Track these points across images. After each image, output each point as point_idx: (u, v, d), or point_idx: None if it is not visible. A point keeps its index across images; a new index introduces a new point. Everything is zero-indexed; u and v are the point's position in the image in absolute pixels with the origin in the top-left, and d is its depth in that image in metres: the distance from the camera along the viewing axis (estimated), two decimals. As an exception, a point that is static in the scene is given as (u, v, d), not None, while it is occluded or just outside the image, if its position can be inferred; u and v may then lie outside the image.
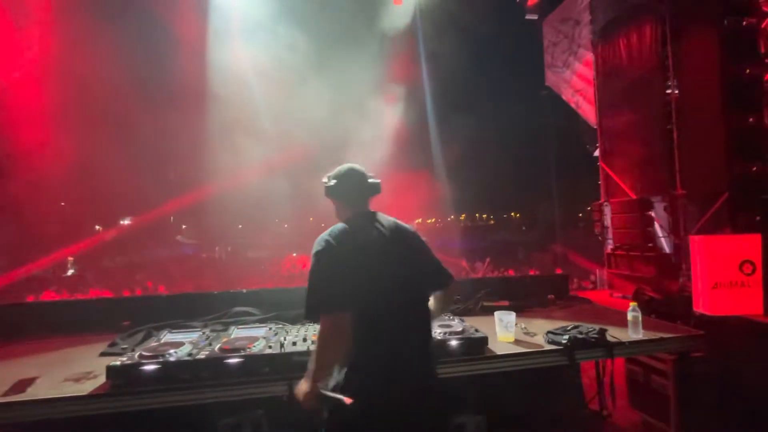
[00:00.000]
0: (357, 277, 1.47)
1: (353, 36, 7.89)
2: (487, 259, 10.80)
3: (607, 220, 8.21)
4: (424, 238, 1.74)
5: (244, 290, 2.84)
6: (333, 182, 1.68)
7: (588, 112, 8.73)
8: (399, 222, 1.71)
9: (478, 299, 2.88)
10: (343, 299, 1.44)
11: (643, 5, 6.90)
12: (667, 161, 6.66)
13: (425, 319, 1.64)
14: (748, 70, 3.74)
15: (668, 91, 6.77)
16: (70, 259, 10.92)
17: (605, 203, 8.25)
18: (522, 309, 2.73)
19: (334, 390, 1.43)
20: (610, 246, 8.12)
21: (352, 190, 1.68)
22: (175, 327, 2.37)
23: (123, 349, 2.12)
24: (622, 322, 2.45)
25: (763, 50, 3.85)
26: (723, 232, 4.83)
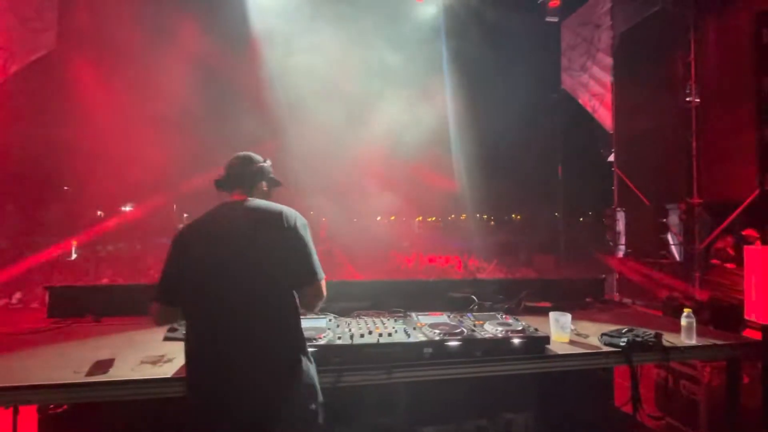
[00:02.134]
0: (191, 272, 1.47)
1: (376, 31, 7.86)
2: (494, 261, 10.87)
3: (620, 226, 8.29)
4: (304, 231, 1.56)
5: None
6: (222, 174, 1.66)
7: (604, 116, 8.77)
8: (276, 211, 1.55)
9: (520, 299, 2.91)
10: (168, 294, 1.50)
11: (667, 12, 6.91)
12: (684, 169, 6.73)
13: (273, 318, 1.49)
14: (782, 83, 3.76)
15: (688, 99, 6.83)
16: (74, 243, 10.86)
17: (618, 209, 8.33)
18: (563, 310, 2.76)
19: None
20: (621, 252, 8.20)
21: (225, 179, 1.64)
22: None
23: (184, 334, 2.13)
24: (666, 326, 2.49)
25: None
26: (737, 241, 4.90)
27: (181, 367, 1.72)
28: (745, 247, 2.51)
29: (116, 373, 1.64)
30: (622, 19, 8.11)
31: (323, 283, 1.59)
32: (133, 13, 7.83)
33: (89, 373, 1.61)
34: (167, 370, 1.69)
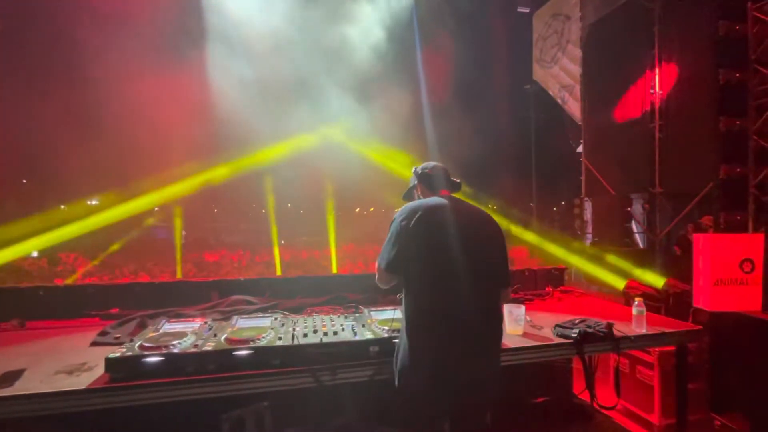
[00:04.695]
0: (419, 248, 1.63)
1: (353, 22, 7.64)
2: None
3: (587, 215, 8.47)
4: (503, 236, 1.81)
5: (242, 278, 2.72)
6: (427, 171, 1.90)
7: (574, 108, 8.86)
8: (483, 212, 1.80)
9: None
10: (397, 263, 1.65)
11: (633, 4, 6.99)
12: (648, 160, 6.89)
13: (495, 309, 1.71)
14: (738, 75, 3.84)
15: (652, 91, 6.96)
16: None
17: (586, 199, 8.49)
18: (522, 301, 2.74)
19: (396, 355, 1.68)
20: (588, 240, 8.39)
21: (435, 177, 1.88)
22: (170, 316, 2.24)
23: (116, 338, 1.98)
24: (621, 315, 2.51)
25: (752, 56, 3.97)
26: (696, 230, 5.05)
27: (99, 377, 1.58)
28: (695, 234, 2.54)
29: (23, 386, 1.48)
30: (592, 10, 8.17)
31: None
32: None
33: (-9, 387, 1.45)
34: (84, 380, 1.54)
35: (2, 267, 7.26)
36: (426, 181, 1.88)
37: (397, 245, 1.64)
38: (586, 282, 7.31)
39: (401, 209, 1.72)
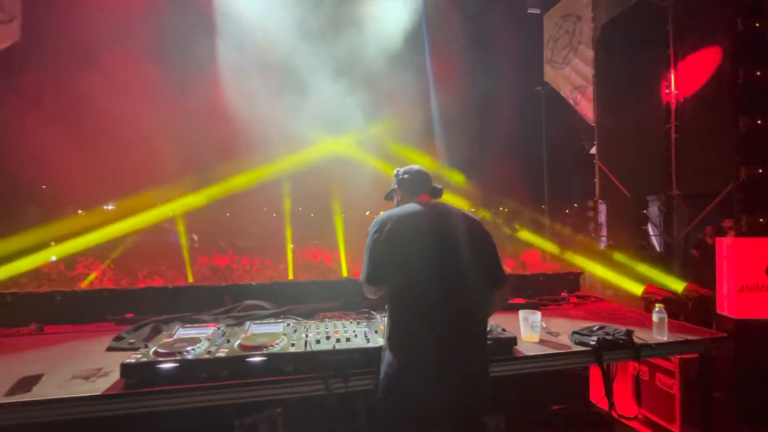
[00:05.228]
0: (393, 257, 1.64)
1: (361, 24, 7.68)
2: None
3: (601, 218, 8.32)
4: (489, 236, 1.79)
5: (254, 283, 2.72)
6: (406, 176, 1.90)
7: (586, 109, 8.74)
8: (464, 215, 1.78)
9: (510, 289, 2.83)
10: (376, 276, 1.66)
11: (646, 3, 6.88)
12: (664, 161, 6.74)
13: (476, 310, 1.67)
14: (758, 72, 3.74)
15: (667, 91, 6.83)
16: (52, 244, 10.49)
17: (600, 201, 8.35)
18: (536, 307, 2.69)
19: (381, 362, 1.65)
20: (603, 244, 8.24)
21: (415, 182, 1.88)
22: (184, 321, 2.25)
23: (131, 343, 1.99)
24: (640, 321, 2.44)
25: (773, 53, 3.85)
26: (716, 232, 4.91)
27: (115, 383, 1.58)
28: (717, 238, 2.45)
29: (41, 391, 1.49)
30: (603, 10, 8.06)
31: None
32: (103, 5, 7.50)
33: (9, 392, 1.47)
34: (100, 386, 1.55)
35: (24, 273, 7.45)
36: (403, 186, 1.90)
37: (371, 258, 1.67)
38: (600, 286, 7.17)
39: (374, 221, 1.73)
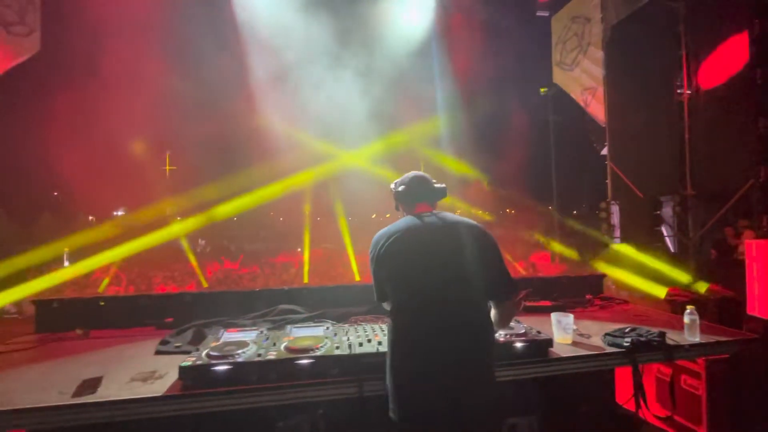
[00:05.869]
0: (389, 276, 1.67)
1: (365, 30, 7.78)
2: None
3: (614, 219, 8.31)
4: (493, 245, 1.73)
5: (285, 288, 2.79)
6: (401, 188, 1.85)
7: (597, 110, 8.75)
8: (466, 224, 1.72)
9: (520, 300, 2.87)
10: (379, 295, 1.75)
11: (657, 4, 6.89)
12: (677, 161, 6.74)
13: (473, 323, 1.64)
14: (777, 74, 3.75)
15: (679, 91, 6.82)
16: (66, 250, 10.65)
17: (612, 202, 8.34)
18: (563, 309, 2.72)
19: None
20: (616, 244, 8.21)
21: (409, 194, 1.84)
22: (223, 324, 2.31)
23: (177, 347, 2.06)
24: (669, 323, 2.47)
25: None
26: (736, 232, 4.90)
27: (173, 384, 1.65)
28: (746, 240, 2.48)
29: (104, 393, 1.56)
30: (613, 11, 8.08)
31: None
32: (120, 17, 7.67)
33: (76, 394, 1.54)
34: (158, 388, 1.61)
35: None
36: (400, 199, 1.87)
37: (374, 277, 1.73)
38: (615, 288, 7.16)
39: (372, 240, 1.75)
